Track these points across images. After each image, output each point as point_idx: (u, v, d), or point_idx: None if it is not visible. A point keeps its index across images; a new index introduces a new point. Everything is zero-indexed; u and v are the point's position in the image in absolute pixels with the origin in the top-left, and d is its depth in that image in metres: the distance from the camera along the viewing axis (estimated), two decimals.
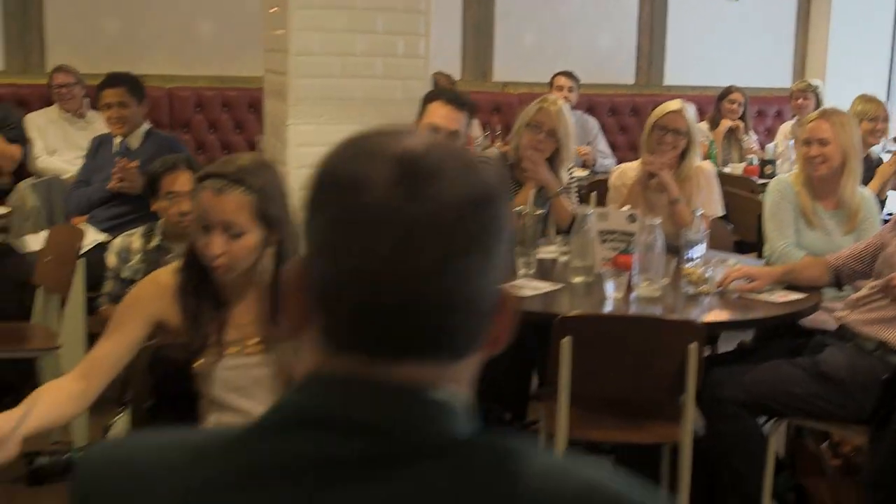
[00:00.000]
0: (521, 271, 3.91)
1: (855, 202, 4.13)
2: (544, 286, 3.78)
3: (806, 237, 4.18)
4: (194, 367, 2.47)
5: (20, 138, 5.88)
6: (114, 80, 5.00)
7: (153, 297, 2.48)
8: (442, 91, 4.15)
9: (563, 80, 6.87)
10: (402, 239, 0.88)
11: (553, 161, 4.44)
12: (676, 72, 8.15)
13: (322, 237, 0.92)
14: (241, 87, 7.06)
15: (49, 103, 6.27)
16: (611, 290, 3.67)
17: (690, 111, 4.55)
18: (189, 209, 3.84)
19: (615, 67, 7.93)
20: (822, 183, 4.15)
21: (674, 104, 4.51)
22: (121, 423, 3.73)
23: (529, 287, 3.76)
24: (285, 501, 0.90)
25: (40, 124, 6.13)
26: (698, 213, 4.08)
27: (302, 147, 4.32)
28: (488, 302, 0.94)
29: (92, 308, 4.26)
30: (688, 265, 3.82)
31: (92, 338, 4.39)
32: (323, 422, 0.91)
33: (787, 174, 4.52)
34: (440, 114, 4.04)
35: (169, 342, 2.50)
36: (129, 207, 4.86)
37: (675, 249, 3.88)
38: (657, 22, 8.06)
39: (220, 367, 2.49)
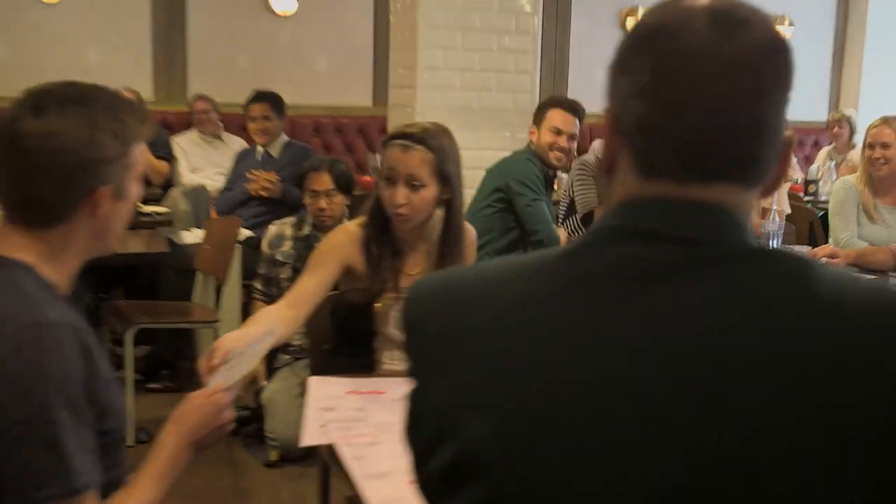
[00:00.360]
0: None
1: None
2: None
3: (868, 230, 4.23)
4: (374, 308, 2.58)
5: (168, 156, 6.07)
6: (259, 96, 5.15)
7: (345, 243, 2.55)
8: (558, 100, 4.25)
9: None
10: (719, 74, 0.91)
11: None
12: None
13: (641, 81, 0.94)
14: (351, 115, 7.24)
15: (189, 127, 6.49)
16: None
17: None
18: (326, 206, 4.00)
19: None
20: (882, 182, 4.20)
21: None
22: (283, 364, 3.89)
23: None
24: (616, 300, 0.92)
25: (184, 146, 6.30)
26: (774, 208, 4.15)
27: None
28: (780, 139, 0.97)
29: (246, 291, 4.43)
30: None
31: (245, 316, 4.56)
32: (644, 234, 0.93)
33: (851, 176, 4.55)
34: (561, 119, 4.14)
35: (350, 288, 2.61)
36: (266, 207, 5.03)
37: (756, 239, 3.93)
38: None
39: (395, 308, 2.59)
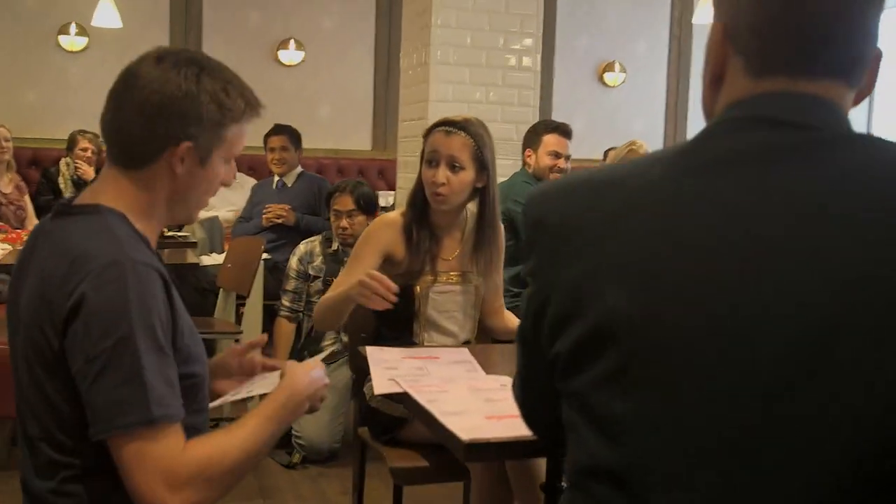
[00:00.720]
0: None
1: None
2: None
3: None
4: (414, 291, 2.58)
5: None
6: (278, 129, 5.18)
7: (385, 232, 2.57)
8: (554, 125, 4.31)
9: (612, 154, 7.05)
10: None
11: None
12: None
13: None
14: (352, 157, 7.27)
15: None
16: None
17: None
18: (347, 225, 4.02)
19: (651, 149, 8.10)
20: None
21: None
22: (329, 348, 3.86)
23: None
24: (745, 177, 0.93)
25: None
26: None
27: None
28: (874, 47, 1.00)
29: (270, 309, 4.43)
30: None
31: (266, 331, 4.53)
32: (766, 120, 0.95)
33: None
34: (557, 142, 4.21)
35: (391, 273, 2.61)
36: (280, 234, 5.06)
37: None
38: (681, 111, 8.28)
39: (433, 290, 2.60)
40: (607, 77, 7.94)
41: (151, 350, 1.39)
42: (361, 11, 7.41)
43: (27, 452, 1.54)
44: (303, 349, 4.02)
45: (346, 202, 4.03)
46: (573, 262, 0.98)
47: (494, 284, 2.69)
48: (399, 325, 2.59)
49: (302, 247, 4.16)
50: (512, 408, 1.72)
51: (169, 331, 1.46)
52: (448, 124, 2.56)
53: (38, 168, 6.71)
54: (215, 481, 1.42)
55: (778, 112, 0.96)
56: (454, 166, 2.52)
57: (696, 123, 8.25)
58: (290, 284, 4.13)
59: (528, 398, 1.23)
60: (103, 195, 1.56)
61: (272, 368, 1.78)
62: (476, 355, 2.19)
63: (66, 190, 6.01)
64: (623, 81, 8.00)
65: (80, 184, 5.89)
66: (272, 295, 4.69)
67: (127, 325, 1.38)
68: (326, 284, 3.99)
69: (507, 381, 1.92)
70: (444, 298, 2.61)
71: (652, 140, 7.84)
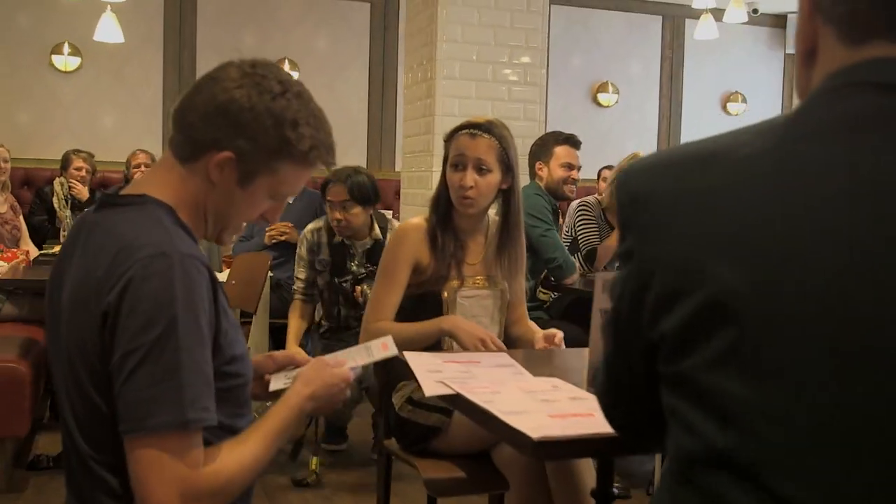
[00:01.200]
0: None
1: None
2: None
3: None
4: (441, 296, 2.53)
5: None
6: None
7: (411, 241, 2.52)
8: (565, 137, 4.29)
9: (606, 173, 7.04)
10: None
11: None
12: None
13: None
14: (389, 178, 7.21)
15: None
16: None
17: None
18: (341, 217, 3.86)
19: None
20: None
21: None
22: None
23: None
24: (856, 145, 0.89)
25: None
26: None
27: None
28: None
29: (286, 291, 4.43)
30: None
31: (275, 336, 4.46)
32: (872, 86, 0.90)
33: None
34: (568, 154, 4.21)
35: (416, 280, 2.57)
36: (281, 252, 4.99)
37: None
38: (673, 131, 8.30)
39: (460, 295, 2.55)
40: (601, 97, 7.96)
41: (193, 346, 1.33)
42: (355, 31, 7.39)
43: (78, 473, 1.45)
44: (317, 336, 4.01)
45: (339, 192, 3.82)
46: (679, 237, 0.93)
47: (519, 288, 2.64)
48: None
49: (308, 235, 4.02)
50: (573, 407, 1.68)
51: (212, 329, 1.40)
52: (473, 126, 2.53)
53: (30, 188, 6.62)
54: (228, 496, 1.39)
55: (888, 76, 0.91)
56: (481, 169, 2.49)
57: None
58: (302, 273, 4.04)
59: (614, 387, 1.16)
60: (151, 186, 1.50)
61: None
62: (515, 359, 2.14)
63: (61, 209, 5.93)
64: (616, 102, 8.02)
65: (76, 204, 5.81)
66: (276, 313, 4.62)
67: (170, 318, 1.32)
68: (332, 276, 3.95)
69: (559, 382, 1.88)
70: (472, 303, 2.56)
71: None
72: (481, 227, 2.63)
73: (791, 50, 8.45)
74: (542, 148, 4.23)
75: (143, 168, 5.82)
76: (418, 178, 4.56)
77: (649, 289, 0.96)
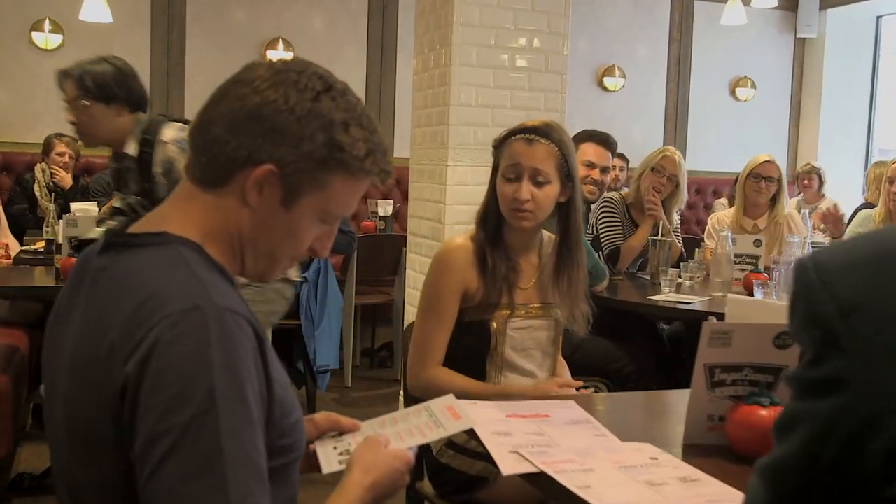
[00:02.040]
0: (665, 289, 3.71)
1: None
2: (694, 298, 3.58)
3: None
4: (490, 326, 2.21)
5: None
6: None
7: (458, 267, 2.19)
8: (592, 133, 3.97)
9: (617, 161, 6.73)
10: None
11: (667, 203, 4.26)
12: (695, 158, 8.05)
13: None
14: None
15: None
16: (760, 297, 3.49)
17: (779, 161, 4.42)
18: (75, 119, 2.91)
19: (644, 154, 7.81)
20: None
21: (765, 156, 4.37)
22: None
23: (682, 300, 3.55)
24: None
25: None
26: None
27: (458, 186, 4.09)
28: None
29: None
30: None
31: None
32: None
33: (871, 210, 4.40)
34: (594, 152, 3.90)
35: (462, 307, 2.25)
36: None
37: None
38: (680, 117, 7.99)
39: (511, 326, 2.23)
40: (607, 81, 7.62)
41: (238, 428, 1.02)
42: (353, 11, 7.01)
43: None
44: None
45: (69, 88, 2.97)
46: None
47: (580, 315, 2.29)
48: (470, 364, 2.22)
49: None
50: (687, 496, 1.38)
51: (263, 401, 1.08)
52: (529, 131, 2.19)
53: (9, 174, 6.22)
54: None
55: None
56: (538, 180, 2.16)
57: (695, 128, 7.97)
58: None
59: None
60: (169, 221, 1.18)
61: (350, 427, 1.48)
62: (583, 407, 1.83)
63: (42, 198, 5.55)
64: (623, 86, 7.69)
65: (57, 192, 5.43)
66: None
67: (206, 392, 1.01)
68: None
69: (653, 451, 1.58)
70: (523, 335, 2.24)
71: (651, 145, 7.55)
72: (534, 244, 2.30)
73: (802, 34, 8.15)
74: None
75: None
76: (430, 171, 4.22)
77: (877, 433, 0.70)
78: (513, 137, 2.21)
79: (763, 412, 1.52)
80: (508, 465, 1.46)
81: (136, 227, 1.21)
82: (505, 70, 4.12)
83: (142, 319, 1.05)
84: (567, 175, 2.20)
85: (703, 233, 6.66)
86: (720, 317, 3.40)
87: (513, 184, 2.17)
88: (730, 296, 1.60)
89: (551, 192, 2.18)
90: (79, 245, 3.37)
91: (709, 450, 1.59)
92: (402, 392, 4.48)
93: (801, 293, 0.76)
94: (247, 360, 1.06)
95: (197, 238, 1.17)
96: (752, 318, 1.57)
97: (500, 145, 2.25)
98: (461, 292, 2.19)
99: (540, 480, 1.43)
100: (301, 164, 1.14)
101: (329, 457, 1.38)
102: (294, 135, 1.13)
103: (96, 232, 3.34)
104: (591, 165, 3.86)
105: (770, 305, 1.58)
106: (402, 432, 1.42)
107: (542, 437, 1.60)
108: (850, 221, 5.57)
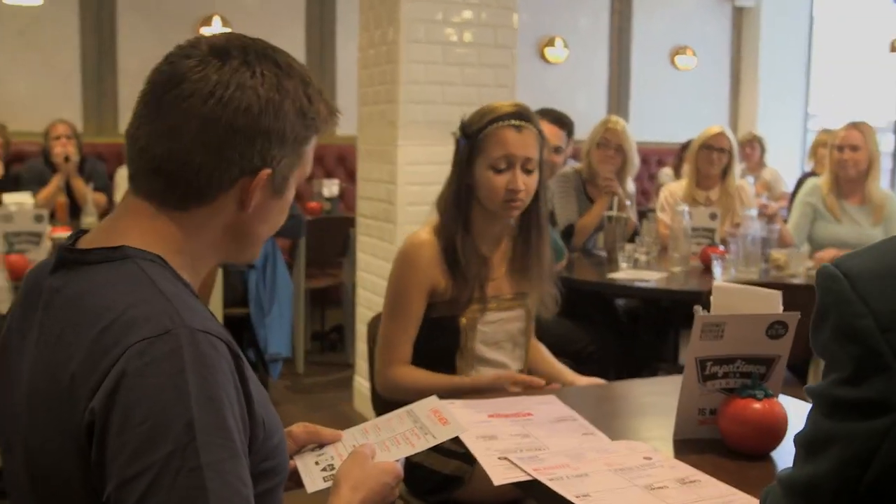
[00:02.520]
0: (623, 265, 3.67)
1: (880, 198, 4.06)
2: (653, 275, 3.54)
3: (835, 230, 4.09)
4: (459, 322, 2.12)
5: (106, 188, 5.45)
6: None
7: (424, 264, 2.08)
8: (545, 111, 3.89)
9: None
10: None
11: (619, 174, 4.21)
12: (638, 128, 8.03)
13: None
14: (331, 143, 6.68)
15: (123, 159, 5.82)
16: (719, 273, 3.47)
17: (730, 133, 4.39)
18: None
19: (589, 126, 7.78)
20: (849, 183, 4.08)
21: (717, 127, 4.35)
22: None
23: (641, 277, 3.51)
24: None
25: (125, 175, 5.67)
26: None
27: (409, 166, 3.98)
28: None
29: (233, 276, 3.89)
30: (774, 252, 3.66)
31: None
32: None
33: (817, 178, 4.41)
34: (548, 131, 3.82)
35: (431, 302, 2.15)
36: None
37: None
38: (623, 88, 7.96)
39: (482, 322, 2.14)
40: (549, 53, 7.55)
41: (222, 461, 0.92)
42: None
43: None
44: None
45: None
46: None
47: (549, 297, 2.21)
48: (440, 360, 2.13)
49: None
50: (687, 499, 1.31)
51: (246, 426, 0.99)
52: (515, 117, 2.07)
53: None
54: None
55: None
56: (528, 168, 2.07)
57: (637, 99, 7.96)
58: None
59: None
60: (128, 234, 1.07)
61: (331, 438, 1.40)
62: (563, 401, 1.76)
63: None
64: (566, 58, 7.62)
65: None
66: (228, 302, 4.17)
67: (184, 425, 0.91)
68: None
69: (644, 448, 1.51)
70: (494, 329, 2.15)
71: (594, 117, 7.50)
72: (506, 231, 2.21)
73: (740, 3, 8.17)
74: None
75: (63, 140, 5.21)
76: (380, 152, 4.10)
77: None
78: (499, 124, 2.06)
79: (757, 405, 1.46)
80: (499, 474, 1.38)
81: (87, 242, 1.10)
82: (453, 45, 4.02)
83: (106, 347, 0.95)
84: (542, 162, 2.12)
85: (650, 203, 6.68)
86: (680, 294, 3.39)
87: (504, 174, 2.05)
88: (715, 283, 1.54)
89: (537, 178, 2.10)
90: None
91: (701, 445, 1.53)
92: (356, 377, 4.40)
93: (833, 305, 0.70)
94: (226, 385, 0.96)
95: (158, 250, 1.07)
96: (739, 307, 1.51)
97: (479, 132, 2.08)
98: (428, 290, 2.09)
99: (533, 489, 1.35)
100: (288, 151, 1.11)
101: (312, 474, 1.29)
102: (278, 132, 1.08)
103: None
104: (557, 150, 3.82)
105: (757, 293, 1.52)
106: (388, 442, 1.33)
107: (529, 440, 1.53)
108: (794, 191, 5.61)
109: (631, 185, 4.31)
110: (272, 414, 1.10)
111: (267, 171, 1.08)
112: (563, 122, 3.91)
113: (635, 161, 4.24)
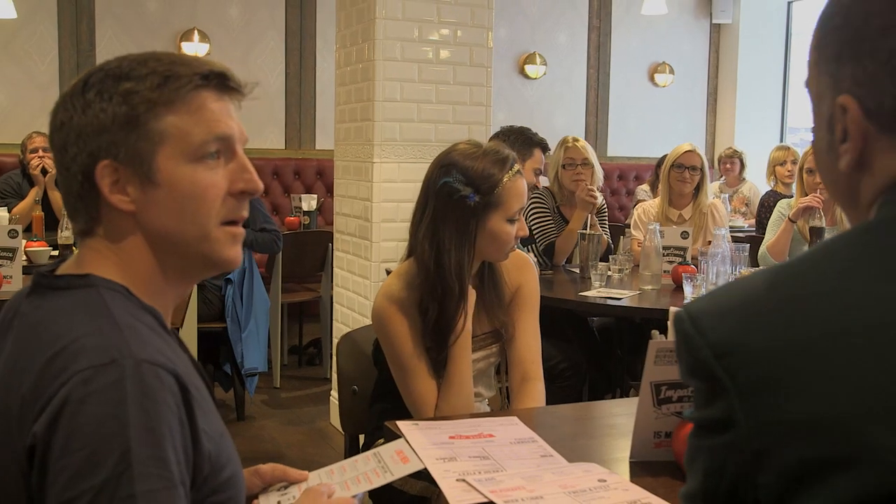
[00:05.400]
0: (596, 283, 3.71)
1: None
2: (625, 293, 3.58)
3: (805, 248, 4.16)
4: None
5: None
6: None
7: (405, 318, 2.04)
8: (540, 140, 4.00)
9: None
10: None
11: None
12: (616, 144, 8.12)
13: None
14: (265, 157, 6.66)
15: None
16: (690, 291, 3.51)
17: (701, 152, 4.45)
18: None
19: None
20: (822, 204, 4.13)
21: (687, 145, 4.40)
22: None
23: (612, 296, 3.55)
24: None
25: None
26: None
27: (384, 183, 4.02)
28: None
29: (210, 292, 3.89)
30: (744, 271, 3.72)
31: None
32: None
33: (789, 199, 4.47)
34: (542, 160, 3.99)
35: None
36: None
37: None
38: (601, 104, 8.03)
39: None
40: (528, 69, 7.61)
41: (155, 490, 0.94)
42: (270, 0, 6.84)
43: None
44: None
45: None
46: (808, 397, 0.74)
47: (527, 332, 2.18)
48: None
49: None
50: None
51: (189, 459, 1.01)
52: (511, 161, 2.07)
53: None
54: None
55: None
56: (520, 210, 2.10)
57: (616, 115, 8.03)
58: None
59: None
60: (92, 264, 1.12)
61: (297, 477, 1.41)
62: (525, 423, 1.79)
63: None
64: (544, 73, 7.69)
65: None
66: (203, 317, 4.18)
67: (121, 454, 0.94)
68: None
69: (600, 471, 1.55)
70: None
71: (573, 132, 7.57)
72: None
73: (718, 19, 8.27)
74: (525, 145, 3.91)
75: (40, 153, 5.21)
76: (355, 168, 4.13)
77: (764, 465, 0.75)
78: (510, 175, 2.04)
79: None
80: (456, 496, 1.41)
81: (63, 268, 1.14)
82: (429, 64, 4.06)
83: (54, 374, 0.97)
84: None
85: (626, 219, 6.74)
86: (651, 312, 3.43)
87: (514, 223, 2.06)
88: (672, 309, 1.57)
89: None
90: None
91: (656, 467, 1.57)
92: (333, 392, 4.41)
93: (682, 342, 0.81)
94: (167, 417, 0.98)
95: (122, 279, 1.10)
96: None
97: (496, 186, 2.03)
98: (418, 334, 2.06)
99: None
100: (121, 136, 1.08)
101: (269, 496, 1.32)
102: (94, 123, 1.08)
103: None
104: (538, 173, 3.90)
105: None
106: (349, 480, 1.37)
107: (488, 462, 1.56)
108: (760, 208, 5.67)
109: (600, 198, 4.36)
110: (226, 448, 1.11)
111: (103, 162, 1.08)
112: (543, 145, 3.99)
113: (599, 172, 4.29)
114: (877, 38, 0.81)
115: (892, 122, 0.82)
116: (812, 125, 0.94)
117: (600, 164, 4.38)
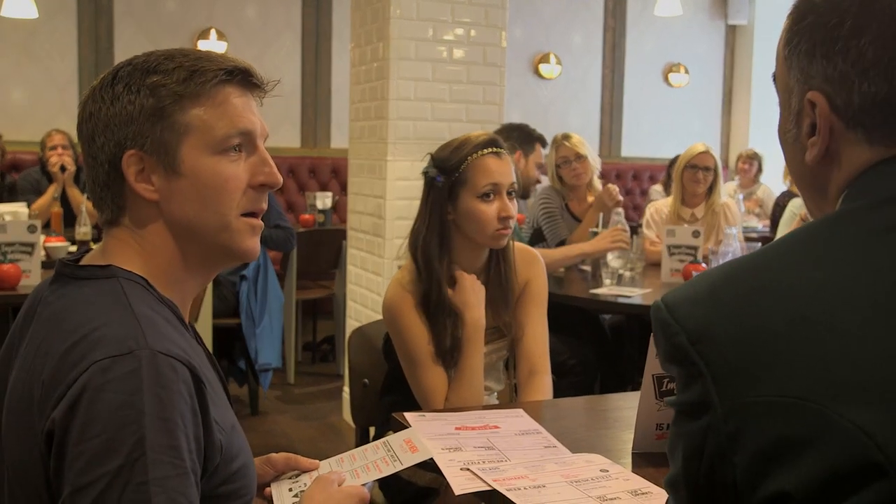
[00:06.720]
0: (607, 281, 3.73)
1: None
2: (636, 291, 3.61)
3: None
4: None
5: None
6: None
7: (411, 311, 2.08)
8: (539, 135, 4.05)
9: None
10: None
11: (589, 183, 4.28)
12: (630, 144, 8.12)
13: (868, 56, 0.84)
14: (280, 155, 6.71)
15: None
16: None
17: (715, 152, 4.47)
18: None
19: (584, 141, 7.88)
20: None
21: (701, 146, 4.41)
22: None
23: (623, 293, 3.57)
24: None
25: None
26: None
27: (398, 181, 4.06)
28: None
29: (226, 289, 3.93)
30: None
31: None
32: None
33: (799, 199, 4.49)
34: (542, 154, 4.01)
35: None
36: None
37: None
38: (615, 104, 8.05)
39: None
40: (543, 69, 7.64)
41: (168, 478, 0.98)
42: None
43: None
44: None
45: None
46: (776, 380, 0.77)
47: (535, 326, 2.20)
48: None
49: None
50: None
51: (201, 449, 1.04)
52: (493, 144, 2.10)
53: None
54: None
55: None
56: (510, 193, 2.11)
57: (630, 115, 8.04)
58: None
59: None
60: (115, 255, 1.16)
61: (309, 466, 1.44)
62: (531, 416, 1.82)
63: None
64: (559, 74, 7.71)
65: None
66: (218, 314, 4.23)
67: (136, 441, 0.97)
68: None
69: (602, 461, 1.58)
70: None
71: (588, 133, 7.59)
72: (482, 263, 2.20)
73: (733, 20, 8.26)
74: (526, 140, 3.95)
75: (59, 150, 5.28)
76: (369, 166, 4.18)
77: (740, 444, 0.78)
78: (478, 153, 2.08)
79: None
80: (460, 484, 1.44)
81: (87, 258, 1.18)
82: (443, 63, 4.09)
83: (72, 362, 1.01)
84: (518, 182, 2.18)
85: (640, 219, 6.75)
86: None
87: (492, 203, 2.07)
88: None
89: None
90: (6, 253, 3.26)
91: (658, 458, 1.59)
92: (345, 388, 4.46)
93: (659, 329, 0.84)
94: (181, 407, 1.01)
95: (142, 271, 1.14)
96: None
97: (459, 165, 2.08)
98: (427, 326, 2.09)
99: (493, 498, 1.42)
100: (148, 127, 1.13)
101: (284, 499, 1.35)
102: (121, 114, 1.13)
103: None
104: (540, 168, 3.93)
105: None
106: (359, 469, 1.40)
107: (492, 452, 1.59)
108: (775, 208, 5.68)
109: (598, 183, 4.35)
110: (237, 439, 1.15)
111: (129, 152, 1.13)
112: (542, 140, 4.02)
113: (596, 162, 4.31)
114: (849, 39, 0.85)
115: (859, 119, 0.86)
116: (779, 118, 0.97)
117: (614, 164, 4.40)
